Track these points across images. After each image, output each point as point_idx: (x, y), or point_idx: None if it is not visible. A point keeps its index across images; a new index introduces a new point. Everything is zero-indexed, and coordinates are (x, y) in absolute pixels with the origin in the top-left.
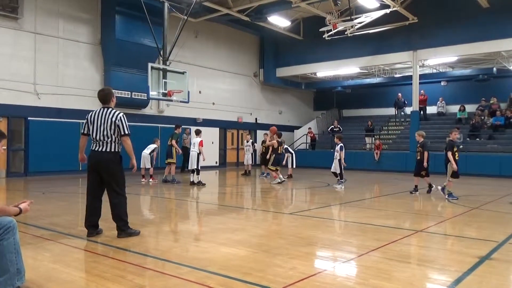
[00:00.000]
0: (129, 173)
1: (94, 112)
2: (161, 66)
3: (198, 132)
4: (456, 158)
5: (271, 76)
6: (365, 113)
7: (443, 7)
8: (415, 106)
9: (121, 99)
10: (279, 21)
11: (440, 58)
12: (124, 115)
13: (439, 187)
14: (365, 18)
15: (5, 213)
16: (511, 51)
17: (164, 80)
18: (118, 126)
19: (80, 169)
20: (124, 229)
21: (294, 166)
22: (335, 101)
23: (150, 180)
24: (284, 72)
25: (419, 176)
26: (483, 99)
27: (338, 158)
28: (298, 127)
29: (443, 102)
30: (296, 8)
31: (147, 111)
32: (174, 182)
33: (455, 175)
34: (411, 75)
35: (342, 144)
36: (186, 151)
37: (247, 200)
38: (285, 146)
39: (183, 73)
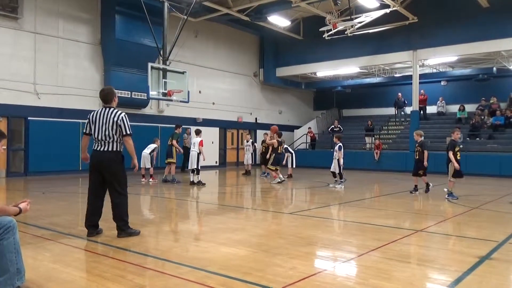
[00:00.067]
0: (130, 173)
1: (96, 111)
2: (161, 66)
3: (198, 132)
4: (458, 158)
5: (271, 76)
6: (365, 112)
7: (443, 7)
8: (415, 106)
9: (121, 99)
10: (279, 21)
11: (440, 58)
12: (126, 115)
13: (445, 190)
14: (365, 18)
15: (5, 212)
16: (511, 51)
17: (164, 80)
18: (120, 126)
19: (80, 168)
20: (124, 229)
21: (294, 166)
22: (335, 101)
23: (150, 180)
24: (284, 72)
25: (417, 175)
26: (483, 98)
27: (337, 158)
28: (298, 127)
29: (443, 101)
30: (296, 7)
31: (147, 111)
32: (174, 182)
33: (457, 174)
34: (411, 75)
35: (341, 144)
36: (186, 151)
37: (247, 199)
38: (285, 146)
39: (183, 73)
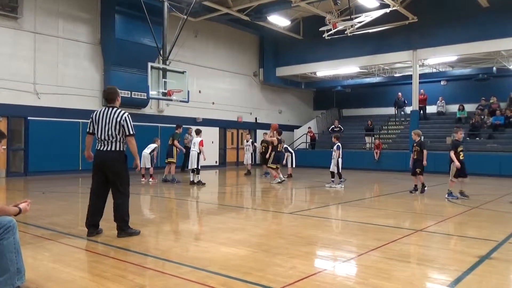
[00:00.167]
0: (131, 173)
1: (99, 111)
2: (161, 66)
3: (198, 132)
4: (461, 158)
5: (271, 75)
6: (365, 112)
7: (443, 7)
8: (415, 106)
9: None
10: (279, 21)
11: (440, 58)
12: (129, 115)
13: (458, 194)
14: (365, 18)
15: (5, 212)
16: (511, 51)
17: (164, 79)
18: (123, 126)
19: (80, 168)
20: (124, 228)
21: (294, 166)
22: (335, 101)
23: (150, 179)
24: (284, 71)
25: (415, 175)
26: (483, 98)
27: (336, 157)
28: (298, 127)
29: (443, 101)
30: (296, 7)
31: (147, 110)
32: (174, 181)
33: (461, 174)
34: (411, 75)
35: (339, 144)
36: (187, 150)
37: (247, 199)
38: (285, 146)
39: (183, 72)
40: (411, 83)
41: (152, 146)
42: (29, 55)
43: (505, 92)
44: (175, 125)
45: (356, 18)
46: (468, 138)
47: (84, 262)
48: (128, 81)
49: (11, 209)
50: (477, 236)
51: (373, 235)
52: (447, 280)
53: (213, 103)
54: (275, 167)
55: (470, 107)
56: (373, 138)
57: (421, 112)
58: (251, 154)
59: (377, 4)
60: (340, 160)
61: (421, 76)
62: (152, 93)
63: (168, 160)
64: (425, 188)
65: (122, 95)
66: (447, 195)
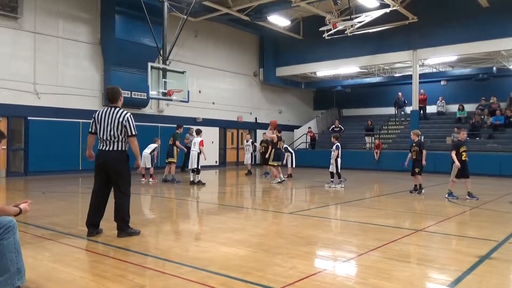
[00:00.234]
0: (132, 173)
1: (101, 111)
2: (161, 66)
3: (198, 132)
4: (463, 158)
5: (271, 75)
6: (365, 112)
7: (443, 7)
8: (415, 106)
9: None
10: (279, 21)
11: (440, 58)
12: (131, 116)
13: (468, 197)
14: (365, 18)
15: (5, 213)
16: (511, 51)
17: (164, 79)
18: (125, 126)
19: (80, 168)
20: (124, 228)
21: (294, 166)
22: (335, 101)
23: (150, 179)
24: (284, 71)
25: (414, 175)
26: (483, 98)
27: (335, 157)
28: (298, 127)
29: (443, 101)
30: (296, 7)
31: (147, 110)
32: (174, 181)
33: (462, 175)
34: (411, 75)
35: (338, 144)
36: (188, 150)
37: (247, 199)
38: (285, 146)
39: (183, 72)
40: (411, 83)
41: (153, 146)
42: (29, 55)
43: (505, 92)
44: (175, 125)
45: (356, 18)
46: (468, 138)
47: (84, 262)
48: (128, 81)
49: (11, 209)
50: (477, 236)
51: (373, 235)
52: (447, 280)
53: (213, 103)
54: (276, 164)
55: (470, 107)
56: (373, 138)
57: (421, 112)
58: (251, 154)
59: (377, 4)
60: (339, 160)
61: (421, 76)
62: (152, 93)
63: (169, 160)
64: (422, 191)
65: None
66: (447, 195)
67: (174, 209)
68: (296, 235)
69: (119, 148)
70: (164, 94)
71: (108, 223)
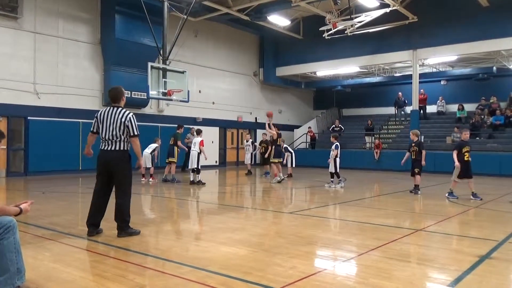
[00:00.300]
0: (133, 173)
1: (103, 110)
2: (161, 66)
3: (199, 132)
4: (466, 158)
5: (271, 75)
6: (365, 112)
7: (443, 6)
8: (415, 105)
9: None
10: (279, 20)
11: (440, 57)
12: (133, 116)
13: (472, 198)
14: (365, 17)
15: (5, 212)
16: (511, 50)
17: (164, 79)
18: (128, 126)
19: (80, 168)
20: (124, 228)
21: (294, 166)
22: (335, 100)
23: (150, 179)
24: (284, 71)
25: (414, 175)
26: (483, 98)
27: (333, 157)
28: (298, 126)
29: (443, 101)
30: (296, 7)
31: (147, 110)
32: (174, 181)
33: (464, 175)
34: (411, 74)
35: (337, 143)
36: (188, 150)
37: (247, 199)
38: (285, 146)
39: (183, 72)
40: (411, 83)
41: (153, 146)
42: (29, 55)
43: (505, 92)
44: (175, 125)
45: (356, 17)
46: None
47: (85, 262)
48: (128, 81)
49: (12, 209)
50: (477, 236)
51: (373, 235)
52: (447, 279)
53: (213, 103)
54: (277, 161)
55: (470, 107)
56: (373, 138)
57: (421, 111)
58: (251, 154)
59: (377, 4)
60: (338, 160)
61: (421, 75)
62: (152, 93)
63: (169, 159)
64: (419, 191)
65: None
66: (447, 194)
67: (174, 209)
68: (296, 235)
69: (121, 148)
70: (164, 94)
71: (108, 223)
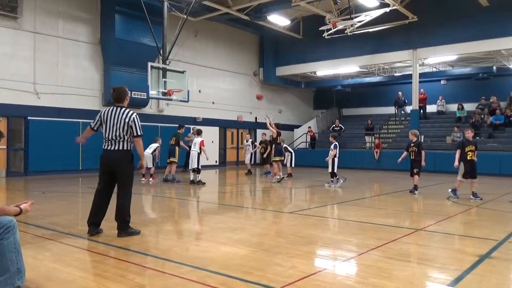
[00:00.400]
0: (134, 172)
1: (107, 110)
2: (161, 66)
3: (199, 132)
4: (468, 158)
5: (270, 75)
6: (365, 112)
7: (442, 6)
8: (415, 105)
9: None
10: (278, 20)
11: (440, 57)
12: (137, 116)
13: (472, 198)
14: (365, 17)
15: (5, 212)
16: (511, 50)
17: (163, 79)
18: (131, 127)
19: (80, 168)
20: (125, 228)
21: (293, 165)
22: (335, 100)
23: (150, 179)
24: (283, 71)
25: (413, 175)
26: (483, 97)
27: (332, 156)
28: (298, 126)
29: (443, 100)
30: (295, 7)
31: (147, 110)
32: (174, 181)
33: (468, 174)
34: (411, 74)
35: (336, 143)
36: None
37: (247, 199)
38: (284, 145)
39: (182, 72)
40: (411, 83)
41: (154, 145)
42: (29, 55)
43: (505, 92)
44: (175, 125)
45: (356, 17)
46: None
47: (85, 262)
48: (128, 80)
49: (12, 209)
50: (477, 235)
51: (373, 234)
52: (447, 279)
53: (213, 102)
54: (278, 159)
55: (470, 107)
56: (373, 137)
57: (421, 111)
58: (251, 154)
59: (377, 3)
60: (336, 159)
61: (421, 75)
62: (152, 92)
63: (170, 159)
64: (416, 192)
65: None
66: (450, 190)
67: (174, 209)
68: (296, 235)
69: (124, 148)
70: (164, 93)
71: (108, 223)
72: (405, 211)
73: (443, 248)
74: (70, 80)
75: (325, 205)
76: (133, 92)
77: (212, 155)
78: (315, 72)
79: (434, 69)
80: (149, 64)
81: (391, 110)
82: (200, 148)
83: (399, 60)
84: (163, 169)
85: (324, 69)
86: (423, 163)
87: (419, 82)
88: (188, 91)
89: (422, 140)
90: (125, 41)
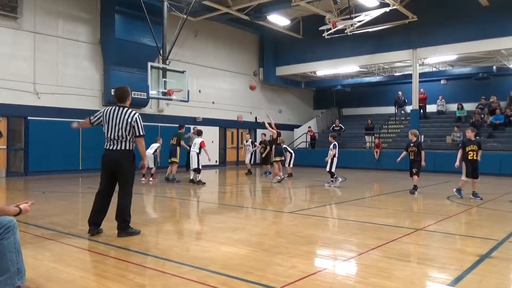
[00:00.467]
0: (136, 172)
1: (109, 109)
2: (161, 65)
3: (200, 133)
4: (469, 158)
5: (270, 75)
6: (365, 111)
7: (442, 6)
8: (415, 105)
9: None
10: (278, 20)
11: (440, 57)
12: (139, 116)
13: (471, 197)
14: (365, 17)
15: (5, 212)
16: (511, 50)
17: (163, 79)
18: (134, 127)
19: (80, 168)
20: (125, 228)
21: (292, 166)
22: (335, 100)
23: (150, 179)
24: (283, 71)
25: (412, 175)
26: (483, 97)
27: (331, 156)
28: (298, 126)
29: (443, 100)
30: (295, 6)
31: (147, 110)
32: (174, 181)
33: (470, 174)
34: (411, 74)
35: (335, 143)
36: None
37: (247, 199)
38: (284, 146)
39: (182, 72)
40: (411, 82)
41: (155, 145)
42: (29, 55)
43: (505, 91)
44: (175, 125)
45: (356, 17)
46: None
47: (85, 262)
48: (128, 80)
49: (11, 209)
50: (477, 235)
51: (373, 234)
52: (447, 279)
53: (213, 102)
54: (278, 159)
55: (470, 106)
56: (373, 137)
57: (421, 111)
58: (251, 154)
59: (377, 3)
60: (335, 159)
61: (421, 75)
62: (152, 92)
63: (172, 160)
64: (416, 191)
65: None
66: (455, 189)
67: (174, 209)
68: (296, 235)
69: (126, 148)
70: (164, 93)
71: (108, 223)
72: (405, 211)
73: (443, 248)
74: (70, 80)
75: (325, 205)
76: (133, 92)
77: (212, 155)
78: (315, 72)
79: (434, 69)
80: (149, 64)
81: (391, 110)
82: (200, 149)
83: (399, 60)
84: (164, 169)
85: (324, 69)
86: (423, 163)
87: (419, 82)
88: (188, 91)
89: (422, 140)
90: (125, 41)
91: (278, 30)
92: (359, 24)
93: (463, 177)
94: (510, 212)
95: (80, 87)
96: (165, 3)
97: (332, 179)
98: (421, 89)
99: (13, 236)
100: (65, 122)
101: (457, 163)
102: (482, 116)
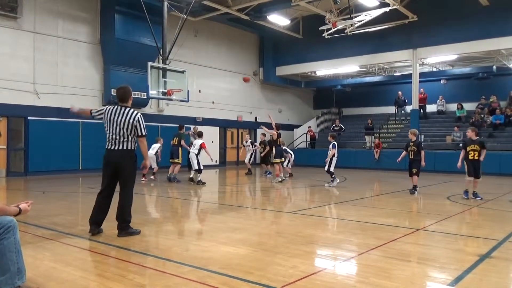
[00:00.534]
0: (137, 172)
1: (111, 108)
2: (161, 65)
3: (200, 135)
4: (470, 157)
5: (270, 75)
6: (365, 111)
7: (442, 6)
8: (415, 105)
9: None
10: (278, 20)
11: (440, 57)
12: (141, 116)
13: (472, 196)
14: (365, 17)
15: (5, 212)
16: (511, 49)
17: (163, 79)
18: (136, 127)
19: (80, 168)
20: (125, 228)
21: (290, 166)
22: (335, 100)
23: (151, 177)
24: (283, 70)
25: (412, 175)
26: (483, 97)
27: (331, 156)
28: (298, 126)
29: (443, 100)
30: (295, 6)
31: (147, 110)
32: (175, 181)
33: (472, 174)
34: (411, 74)
35: (335, 142)
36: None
37: (247, 199)
38: (284, 147)
39: (182, 72)
40: (411, 82)
41: (156, 146)
42: (28, 55)
43: (505, 91)
44: (175, 125)
45: (356, 17)
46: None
47: (85, 262)
48: (128, 80)
49: (11, 209)
50: (477, 235)
51: (373, 234)
52: (448, 279)
53: (213, 102)
54: (279, 161)
55: (470, 106)
56: (373, 137)
57: (421, 111)
58: (251, 154)
59: (377, 3)
60: (334, 159)
61: (421, 75)
62: (152, 92)
63: (174, 160)
64: (416, 191)
65: None
66: (463, 191)
67: (175, 209)
68: (296, 234)
69: (128, 148)
70: (164, 93)
71: (109, 222)
72: (405, 211)
73: (443, 248)
74: (70, 80)
75: (325, 204)
76: (133, 92)
77: (212, 155)
78: (315, 72)
79: (434, 69)
80: (149, 64)
81: (391, 109)
82: (199, 150)
83: (399, 60)
84: (164, 169)
85: (324, 69)
86: (423, 163)
87: (419, 81)
88: (188, 91)
89: (422, 140)
90: (125, 41)
91: (278, 30)
92: (359, 24)
93: (466, 177)
94: (510, 212)
95: (80, 87)
96: (165, 3)
97: (331, 178)
98: (421, 89)
99: (13, 236)
100: (65, 122)
101: (459, 163)
102: (482, 116)
